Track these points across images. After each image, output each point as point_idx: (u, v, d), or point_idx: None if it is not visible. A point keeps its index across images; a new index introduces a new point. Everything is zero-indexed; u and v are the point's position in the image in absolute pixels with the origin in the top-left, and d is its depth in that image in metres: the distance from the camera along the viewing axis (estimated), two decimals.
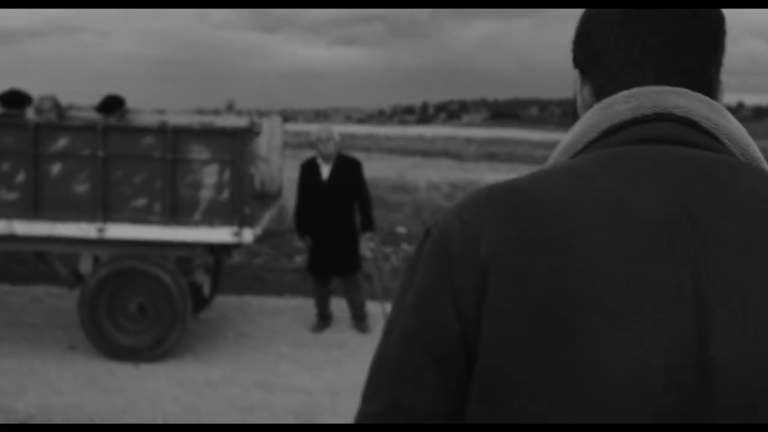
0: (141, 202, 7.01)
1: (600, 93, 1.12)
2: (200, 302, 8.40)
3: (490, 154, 51.58)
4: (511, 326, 0.90)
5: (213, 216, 6.97)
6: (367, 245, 8.29)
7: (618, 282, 0.89)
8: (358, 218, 8.30)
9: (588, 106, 1.14)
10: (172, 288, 7.07)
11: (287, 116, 9.00)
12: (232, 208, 6.94)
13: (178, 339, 7.18)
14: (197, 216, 6.99)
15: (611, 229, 0.92)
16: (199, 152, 6.88)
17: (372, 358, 1.04)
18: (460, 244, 0.97)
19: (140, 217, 7.02)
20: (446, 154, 50.48)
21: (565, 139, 1.12)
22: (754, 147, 1.06)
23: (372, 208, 8.33)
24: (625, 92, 1.07)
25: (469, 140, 75.20)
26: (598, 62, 1.13)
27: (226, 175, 6.89)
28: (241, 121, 7.33)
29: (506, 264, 0.92)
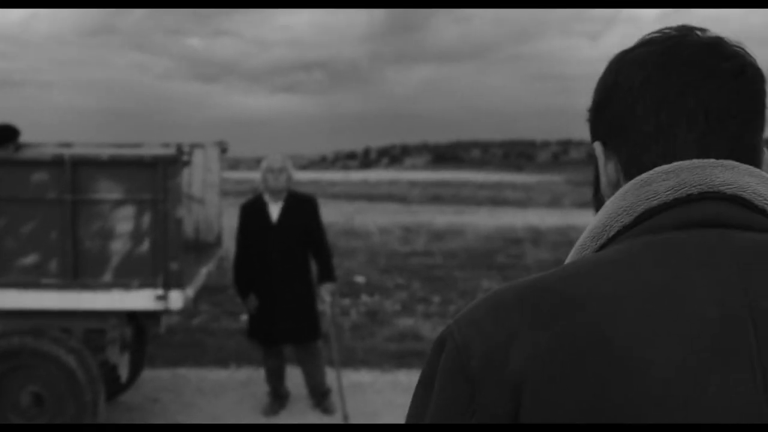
0: (32, 259, 5.27)
1: (629, 167, 1.00)
2: (116, 387, 6.61)
3: (435, 196, 51.78)
4: None
5: (129, 275, 5.28)
6: (326, 300, 6.64)
7: (674, 394, 0.79)
8: (314, 268, 6.75)
9: (614, 184, 1.02)
10: (77, 372, 5.31)
11: (225, 148, 7.32)
12: (155, 264, 5.26)
13: None
14: (107, 276, 5.28)
15: (664, 332, 0.81)
16: (108, 190, 5.18)
17: None
18: (481, 361, 0.86)
19: (31, 280, 5.30)
20: (390, 197, 50.55)
21: (593, 222, 0.99)
22: None
23: (331, 255, 6.79)
24: (664, 167, 0.94)
25: (412, 183, 75.13)
26: (623, 132, 1.00)
27: (146, 219, 5.21)
28: (165, 150, 5.62)
29: (543, 381, 0.82)
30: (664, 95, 0.96)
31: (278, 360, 6.80)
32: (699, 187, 0.92)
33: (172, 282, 5.25)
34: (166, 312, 5.44)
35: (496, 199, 48.12)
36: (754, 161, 0.98)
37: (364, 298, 11.90)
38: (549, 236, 20.10)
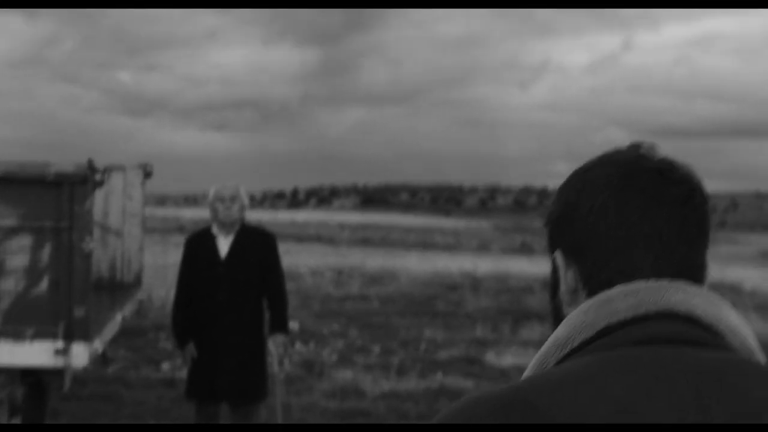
0: None
1: (588, 280, 1.07)
2: None
3: (364, 239, 51.96)
4: None
5: (21, 322, 4.23)
6: (274, 354, 5.70)
7: None
8: (266, 314, 5.80)
9: (572, 290, 1.09)
10: None
11: (149, 171, 6.30)
12: (55, 309, 4.22)
13: None
14: None
15: None
16: None
17: None
18: None
19: None
20: (319, 239, 50.70)
21: (557, 334, 1.04)
22: (752, 337, 1.04)
23: (287, 302, 5.83)
24: (625, 288, 1.02)
25: (341, 225, 75.08)
26: (585, 248, 1.08)
27: (45, 252, 4.19)
28: (73, 167, 4.58)
29: None
30: (623, 219, 1.05)
31: (212, 420, 5.75)
32: (655, 306, 1.00)
33: (76, 332, 4.22)
34: (68, 369, 4.37)
35: (425, 242, 47.69)
36: (700, 278, 1.07)
37: (299, 346, 10.87)
38: (486, 282, 19.44)
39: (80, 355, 4.23)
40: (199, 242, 5.64)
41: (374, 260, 26.85)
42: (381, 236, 54.13)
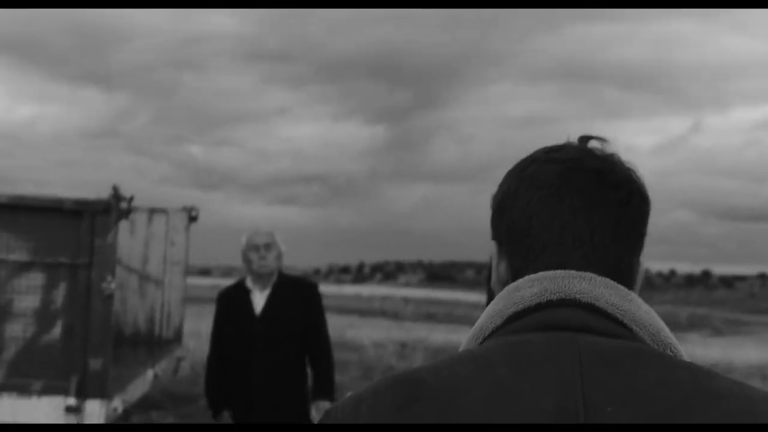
0: None
1: (516, 276, 1.09)
2: None
3: (429, 314, 51.14)
4: None
5: (28, 374, 3.61)
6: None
7: None
8: (309, 376, 4.99)
9: (503, 283, 1.12)
10: None
11: (194, 215, 5.72)
12: (68, 360, 3.60)
13: None
14: None
15: (501, 421, 0.90)
16: (5, 248, 3.55)
17: None
18: None
19: None
20: (383, 313, 50.01)
21: (475, 324, 1.10)
22: (666, 332, 1.05)
23: (333, 364, 5.03)
24: (531, 276, 1.06)
25: (406, 300, 74.16)
26: (517, 242, 1.10)
27: (60, 293, 3.59)
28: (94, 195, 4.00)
29: None
30: (556, 216, 1.06)
31: None
32: (557, 294, 1.02)
33: (90, 388, 3.59)
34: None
35: None
36: (629, 279, 1.08)
37: None
38: None
39: (95, 414, 3.59)
40: (232, 297, 4.92)
41: (438, 334, 26.05)
42: (446, 311, 53.11)
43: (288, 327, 4.76)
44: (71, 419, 3.58)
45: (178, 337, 5.80)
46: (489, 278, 1.19)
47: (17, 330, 3.58)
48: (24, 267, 3.57)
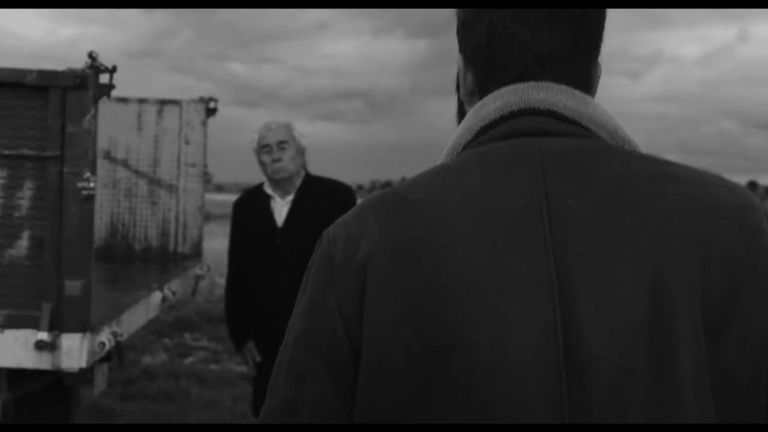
0: None
1: (483, 89, 1.16)
2: None
3: None
4: (387, 322, 0.96)
5: None
6: None
7: (483, 274, 0.95)
8: None
9: (471, 92, 1.19)
10: None
11: (212, 107, 4.82)
12: (36, 284, 2.76)
13: None
14: None
15: (475, 223, 0.98)
16: None
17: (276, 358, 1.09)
18: (343, 251, 1.03)
19: None
20: None
21: (449, 142, 1.17)
22: (623, 130, 1.11)
23: None
24: (494, 92, 1.12)
25: None
26: (481, 57, 1.15)
27: (22, 196, 2.72)
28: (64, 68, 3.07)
29: (381, 264, 0.99)
30: (516, 36, 1.10)
31: None
32: (518, 105, 1.09)
33: (68, 317, 2.75)
34: (58, 372, 2.90)
35: None
36: (588, 86, 1.14)
37: None
38: None
39: (74, 351, 2.76)
40: (250, 206, 4.07)
41: None
42: None
43: (317, 239, 3.88)
44: (44, 358, 2.76)
45: (196, 252, 4.95)
46: (458, 88, 1.24)
47: None
48: None
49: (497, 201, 0.97)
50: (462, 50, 1.19)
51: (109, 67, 2.76)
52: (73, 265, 2.74)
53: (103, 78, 2.81)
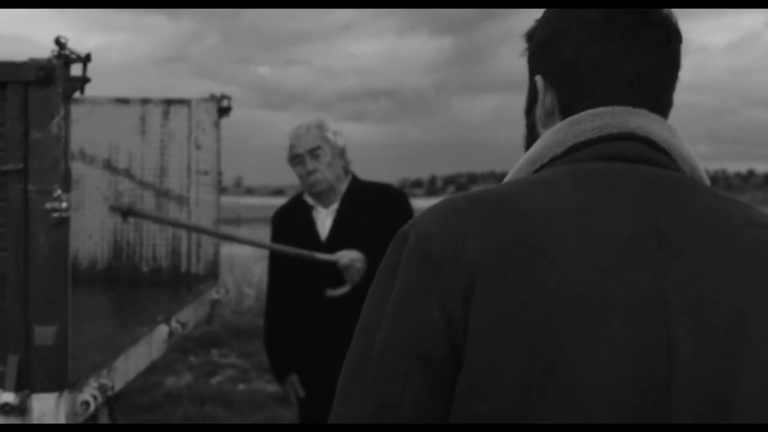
0: None
1: (567, 110, 1.16)
2: None
3: None
4: (496, 329, 0.96)
5: None
6: None
7: (591, 290, 0.96)
8: None
9: (549, 113, 1.19)
10: None
11: (226, 106, 4.26)
12: (0, 330, 2.20)
13: None
14: None
15: (584, 239, 0.99)
16: None
17: (346, 362, 1.05)
18: (442, 247, 1.01)
19: None
20: None
21: (530, 151, 1.16)
22: (700, 167, 1.15)
23: None
24: (592, 111, 1.13)
25: None
26: (567, 77, 1.16)
27: None
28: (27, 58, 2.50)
29: (491, 269, 0.98)
30: (606, 57, 1.13)
31: None
32: (618, 128, 1.10)
33: (38, 373, 2.19)
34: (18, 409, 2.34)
35: None
36: (667, 113, 1.17)
37: None
38: None
39: (47, 417, 2.19)
40: (290, 218, 3.59)
41: None
42: None
43: (367, 251, 3.30)
44: (11, 422, 2.20)
45: (212, 273, 4.40)
46: (529, 110, 1.24)
47: None
48: None
49: (604, 222, 0.99)
50: (541, 70, 1.19)
51: (81, 55, 2.18)
52: (43, 307, 2.18)
53: (76, 70, 2.26)
